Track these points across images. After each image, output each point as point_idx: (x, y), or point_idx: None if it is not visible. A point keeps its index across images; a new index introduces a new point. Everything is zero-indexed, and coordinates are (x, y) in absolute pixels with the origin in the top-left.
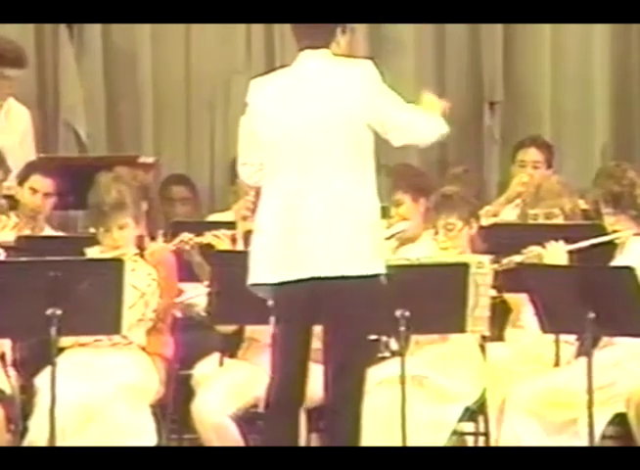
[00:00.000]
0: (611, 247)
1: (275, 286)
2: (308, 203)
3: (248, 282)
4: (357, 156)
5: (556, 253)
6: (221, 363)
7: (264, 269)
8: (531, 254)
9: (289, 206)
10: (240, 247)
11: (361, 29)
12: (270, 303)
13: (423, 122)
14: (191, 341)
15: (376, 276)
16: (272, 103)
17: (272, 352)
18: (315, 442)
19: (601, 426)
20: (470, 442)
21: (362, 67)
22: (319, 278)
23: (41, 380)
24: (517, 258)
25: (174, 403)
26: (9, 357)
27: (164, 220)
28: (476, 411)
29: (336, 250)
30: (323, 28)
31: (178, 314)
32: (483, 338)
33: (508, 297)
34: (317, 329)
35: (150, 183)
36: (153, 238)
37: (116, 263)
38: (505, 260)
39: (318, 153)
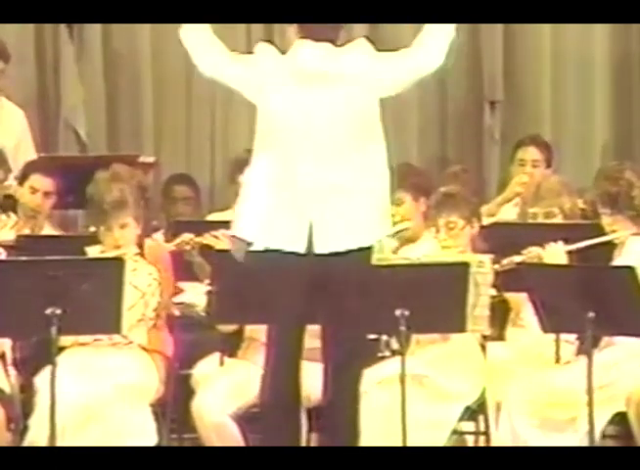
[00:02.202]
0: (609, 247)
1: (270, 276)
2: (305, 174)
3: (234, 232)
4: (363, 139)
5: (555, 253)
6: (221, 363)
7: (256, 232)
8: (531, 254)
9: (287, 176)
10: None
11: (361, 29)
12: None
13: (420, 58)
14: (191, 340)
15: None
16: (277, 72)
17: (267, 350)
18: (315, 441)
19: (601, 425)
20: (470, 441)
21: (357, 46)
22: (323, 255)
23: (41, 379)
24: (517, 259)
25: (174, 403)
26: (9, 357)
27: (166, 220)
28: (476, 411)
29: (330, 228)
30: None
31: (177, 314)
32: (484, 337)
33: (508, 296)
34: (316, 328)
35: (147, 183)
36: (147, 235)
37: (117, 263)
38: (505, 261)
39: (319, 135)
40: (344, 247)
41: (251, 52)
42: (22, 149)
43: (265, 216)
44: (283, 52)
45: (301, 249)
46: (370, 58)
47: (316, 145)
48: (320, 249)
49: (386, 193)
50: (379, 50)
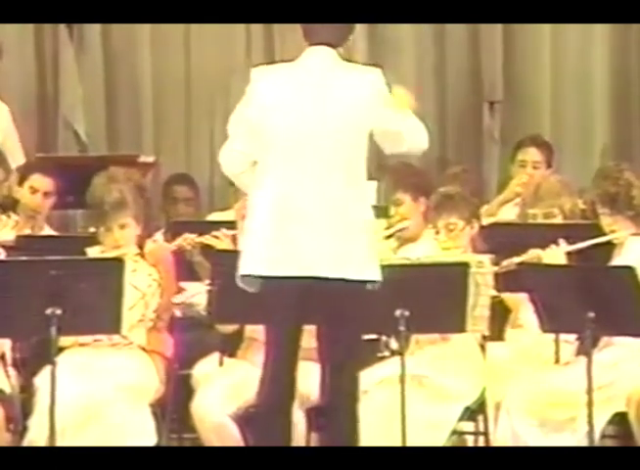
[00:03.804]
0: (609, 247)
1: (266, 282)
2: (305, 199)
3: (239, 273)
4: (353, 157)
5: (555, 256)
6: (221, 363)
7: (258, 261)
8: (530, 256)
9: (285, 200)
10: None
11: (361, 29)
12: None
13: (417, 134)
14: (191, 340)
15: (371, 282)
16: (276, 93)
17: (266, 351)
18: (315, 441)
19: (600, 425)
20: (469, 441)
21: (373, 74)
22: (316, 278)
23: (41, 379)
24: (516, 260)
25: (174, 403)
26: (9, 357)
27: (166, 220)
28: (475, 411)
29: (334, 252)
30: (342, 27)
31: (178, 314)
32: (483, 337)
33: (506, 297)
34: (314, 328)
35: (145, 184)
36: (149, 236)
37: (116, 263)
38: (505, 263)
39: (318, 151)
40: (342, 276)
41: (249, 59)
42: (9, 145)
43: (270, 249)
44: (282, 60)
45: (305, 274)
46: (379, 92)
47: (318, 160)
48: (323, 274)
49: (373, 228)
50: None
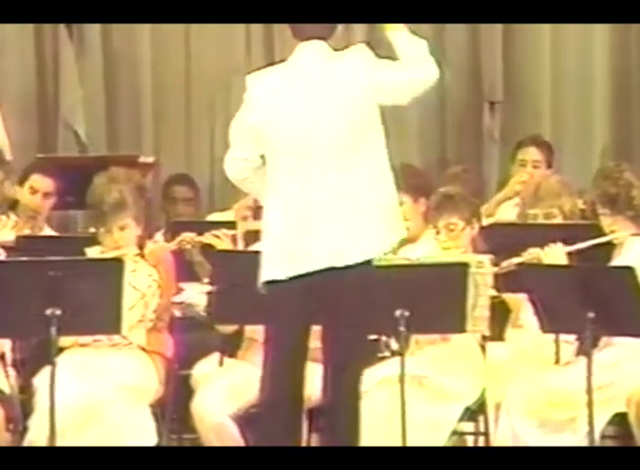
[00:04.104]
0: (608, 247)
1: (277, 283)
2: (313, 195)
3: (260, 280)
4: (365, 143)
5: (554, 255)
6: (221, 363)
7: (275, 267)
8: (530, 256)
9: (294, 200)
10: (240, 247)
11: (361, 29)
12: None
13: (419, 70)
14: (191, 341)
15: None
16: (273, 96)
17: (264, 351)
18: (315, 441)
19: (600, 426)
20: (470, 441)
21: (358, 51)
22: (320, 271)
23: (40, 380)
24: (515, 261)
25: (174, 403)
26: (8, 357)
27: (166, 220)
28: (476, 411)
29: (342, 241)
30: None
31: (178, 314)
32: (483, 338)
33: (507, 297)
34: (317, 328)
35: (145, 184)
36: (150, 237)
37: (116, 263)
38: (504, 264)
39: (323, 145)
40: (360, 258)
41: (249, 59)
42: None
43: (286, 252)
44: (280, 60)
45: (319, 267)
46: (369, 63)
47: (322, 157)
48: (335, 263)
49: (394, 195)
50: (378, 56)
